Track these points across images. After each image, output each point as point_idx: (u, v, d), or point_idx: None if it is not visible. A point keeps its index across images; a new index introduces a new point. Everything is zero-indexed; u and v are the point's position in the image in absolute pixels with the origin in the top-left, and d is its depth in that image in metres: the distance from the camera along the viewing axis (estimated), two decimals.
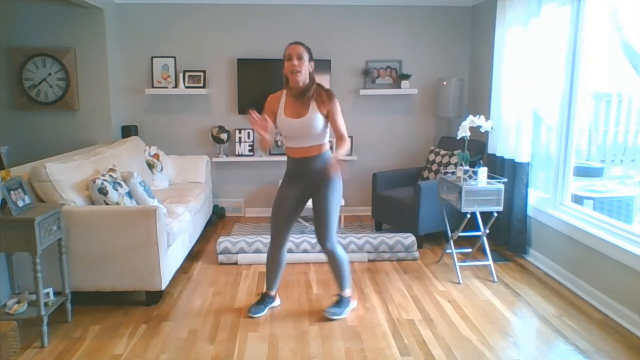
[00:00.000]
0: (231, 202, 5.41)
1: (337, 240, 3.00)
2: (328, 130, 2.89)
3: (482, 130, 3.65)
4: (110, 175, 3.29)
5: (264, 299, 3.15)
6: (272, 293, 3.18)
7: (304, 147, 2.85)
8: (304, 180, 2.92)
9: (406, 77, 5.12)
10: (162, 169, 4.68)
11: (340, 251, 3.01)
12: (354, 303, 3.16)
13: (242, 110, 5.14)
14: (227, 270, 3.82)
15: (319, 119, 2.79)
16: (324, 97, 2.80)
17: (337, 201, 2.93)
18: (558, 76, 3.69)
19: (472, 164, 3.65)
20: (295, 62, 2.74)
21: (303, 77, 2.77)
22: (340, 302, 3.09)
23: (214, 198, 5.25)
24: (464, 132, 3.61)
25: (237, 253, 3.94)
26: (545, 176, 4.02)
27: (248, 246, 3.95)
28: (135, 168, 4.00)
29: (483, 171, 3.54)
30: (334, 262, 3.02)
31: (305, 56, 2.78)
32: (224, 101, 5.22)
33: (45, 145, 4.64)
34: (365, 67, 5.20)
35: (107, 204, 3.16)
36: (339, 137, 2.84)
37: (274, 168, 5.15)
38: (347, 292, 3.11)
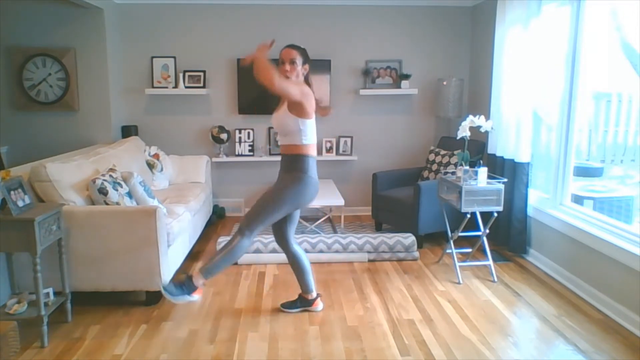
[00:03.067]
0: (231, 202, 5.41)
1: (252, 237, 2.79)
2: (307, 134, 2.77)
3: (482, 130, 3.65)
4: (110, 175, 3.29)
5: (297, 299, 3.14)
6: (307, 296, 3.10)
7: (282, 144, 2.89)
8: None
9: (406, 77, 5.12)
10: (162, 169, 4.68)
11: (242, 244, 2.75)
12: (194, 297, 2.73)
13: (242, 110, 5.15)
14: (227, 270, 3.79)
15: (288, 117, 2.74)
16: None
17: (280, 200, 2.79)
18: (558, 76, 3.69)
19: (472, 164, 3.65)
20: (287, 67, 2.76)
21: None
22: (185, 283, 2.70)
23: (214, 198, 5.25)
24: (464, 132, 3.61)
25: None
26: (545, 176, 4.02)
27: None
28: (135, 168, 4.00)
29: (483, 171, 3.54)
30: (229, 245, 2.76)
31: (299, 60, 2.76)
32: (224, 101, 5.22)
33: (45, 145, 4.65)
34: (365, 67, 5.20)
35: (107, 204, 3.16)
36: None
37: (274, 168, 5.08)
38: (200, 280, 2.72)
